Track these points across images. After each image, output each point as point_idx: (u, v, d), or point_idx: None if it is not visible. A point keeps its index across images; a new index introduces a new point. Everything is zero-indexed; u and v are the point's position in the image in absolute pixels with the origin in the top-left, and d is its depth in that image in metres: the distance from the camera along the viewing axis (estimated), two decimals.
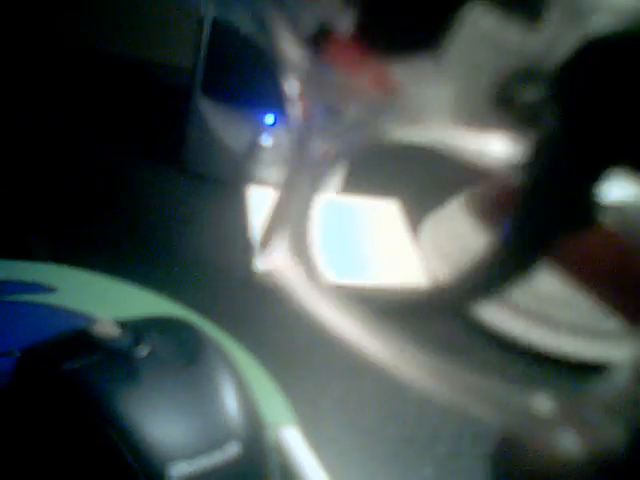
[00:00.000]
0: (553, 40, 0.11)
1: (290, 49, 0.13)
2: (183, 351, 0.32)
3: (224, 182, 0.58)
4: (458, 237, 0.53)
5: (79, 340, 0.33)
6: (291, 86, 0.14)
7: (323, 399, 0.42)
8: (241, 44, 0.56)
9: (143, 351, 0.32)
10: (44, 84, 0.67)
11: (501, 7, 0.10)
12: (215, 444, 0.29)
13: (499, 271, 0.15)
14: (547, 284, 0.48)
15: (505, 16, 0.11)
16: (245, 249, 0.52)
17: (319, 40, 0.13)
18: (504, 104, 0.11)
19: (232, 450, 0.29)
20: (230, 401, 0.31)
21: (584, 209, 0.12)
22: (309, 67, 0.13)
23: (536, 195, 0.12)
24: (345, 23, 0.12)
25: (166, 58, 0.73)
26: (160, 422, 0.29)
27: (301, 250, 0.16)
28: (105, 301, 0.43)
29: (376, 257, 0.54)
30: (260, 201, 0.56)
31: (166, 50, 0.73)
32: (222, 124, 0.58)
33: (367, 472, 0.38)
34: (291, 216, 0.16)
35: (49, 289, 0.43)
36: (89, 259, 0.46)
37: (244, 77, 0.57)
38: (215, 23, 0.56)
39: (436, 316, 0.16)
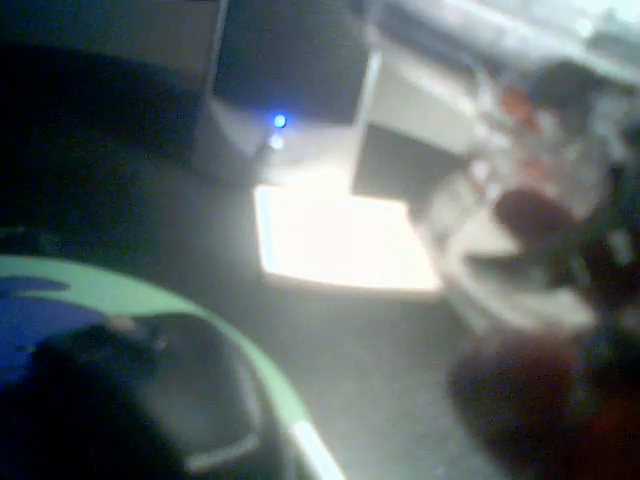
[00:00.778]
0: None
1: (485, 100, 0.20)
2: (199, 346, 0.33)
3: (233, 183, 0.58)
4: (473, 239, 0.53)
5: (95, 334, 0.34)
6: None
7: (335, 398, 0.42)
8: (253, 47, 0.56)
9: (160, 345, 0.32)
10: (60, 88, 0.67)
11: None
12: (233, 437, 0.29)
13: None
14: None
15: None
16: (254, 249, 0.52)
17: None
18: None
19: (249, 443, 0.29)
20: (247, 395, 0.31)
21: None
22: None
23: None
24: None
25: (178, 64, 0.73)
26: (178, 415, 0.29)
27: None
28: (117, 298, 0.44)
29: (389, 259, 0.54)
30: (268, 203, 0.57)
31: (178, 56, 0.74)
32: (232, 125, 0.58)
33: (379, 470, 0.38)
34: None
35: (62, 286, 0.43)
36: (100, 257, 0.46)
37: (255, 79, 0.57)
38: (227, 26, 0.56)
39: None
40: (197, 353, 0.32)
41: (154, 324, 0.34)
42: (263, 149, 0.57)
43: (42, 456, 0.32)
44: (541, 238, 0.18)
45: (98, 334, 0.33)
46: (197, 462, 0.28)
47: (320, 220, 0.57)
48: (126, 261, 0.47)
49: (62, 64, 0.70)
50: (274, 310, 0.48)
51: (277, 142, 0.57)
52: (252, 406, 0.31)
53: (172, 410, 0.29)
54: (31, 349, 0.35)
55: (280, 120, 0.58)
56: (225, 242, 0.54)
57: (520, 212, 0.20)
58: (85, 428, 0.30)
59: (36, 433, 0.33)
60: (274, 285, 0.50)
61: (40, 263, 0.45)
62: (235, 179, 0.59)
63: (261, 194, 0.57)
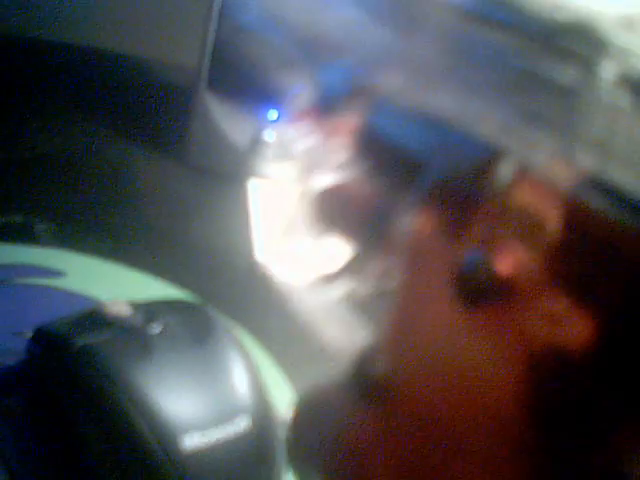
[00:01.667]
0: None
1: None
2: (194, 330, 0.34)
3: (226, 176, 0.59)
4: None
5: (91, 319, 0.34)
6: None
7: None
8: (247, 40, 0.57)
9: (155, 329, 0.33)
10: (56, 80, 0.68)
11: None
12: (226, 417, 0.30)
13: None
14: None
15: None
16: (247, 240, 0.53)
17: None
18: None
19: (242, 423, 0.30)
20: (240, 377, 0.32)
21: None
22: None
23: None
24: None
25: (172, 56, 0.74)
26: (174, 395, 0.30)
27: None
28: (113, 286, 0.45)
29: None
30: (262, 195, 0.58)
31: (172, 49, 0.74)
32: (226, 118, 0.59)
33: None
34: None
35: (58, 273, 0.44)
36: (96, 246, 0.47)
37: (249, 73, 0.58)
38: (222, 21, 0.57)
39: None
40: (191, 337, 0.33)
41: (150, 309, 0.35)
42: (257, 142, 0.58)
43: (38, 439, 0.33)
44: (353, 229, 0.20)
45: (95, 319, 0.34)
46: (191, 441, 0.29)
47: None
48: (122, 250, 0.48)
49: (60, 56, 0.71)
50: (266, 299, 0.49)
51: (270, 135, 0.58)
52: (245, 388, 0.32)
53: (167, 391, 0.30)
54: (29, 334, 0.36)
55: (273, 114, 0.58)
56: (219, 233, 0.54)
57: (333, 208, 0.22)
58: (81, 410, 0.31)
59: (33, 416, 0.34)
60: (267, 275, 0.51)
61: (37, 251, 0.45)
62: (229, 171, 0.59)
63: (254, 186, 0.58)
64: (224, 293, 0.48)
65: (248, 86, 0.59)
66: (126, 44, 0.74)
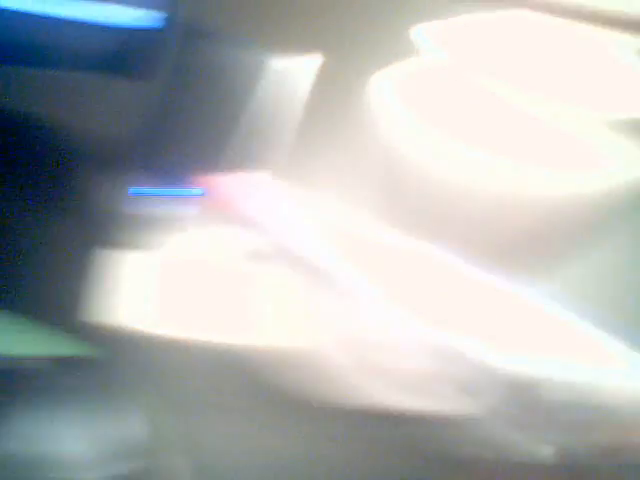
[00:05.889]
0: None
1: None
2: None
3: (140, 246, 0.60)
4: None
5: None
6: None
7: None
8: (175, 119, 0.59)
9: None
10: None
11: None
12: None
13: None
14: None
15: None
16: None
17: None
18: None
19: None
20: None
21: None
22: None
23: None
24: None
25: (101, 126, 0.75)
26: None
27: None
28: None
29: None
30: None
31: (103, 117, 0.75)
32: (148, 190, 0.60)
33: None
34: None
35: None
36: None
37: (173, 150, 0.60)
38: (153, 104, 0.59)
39: None
40: None
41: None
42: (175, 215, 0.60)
43: None
44: None
45: None
46: None
47: None
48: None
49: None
50: None
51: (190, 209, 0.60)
52: None
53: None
54: None
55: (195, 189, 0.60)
56: None
57: None
58: None
59: None
60: None
61: None
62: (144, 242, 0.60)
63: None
64: None
65: (172, 161, 0.61)
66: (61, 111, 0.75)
